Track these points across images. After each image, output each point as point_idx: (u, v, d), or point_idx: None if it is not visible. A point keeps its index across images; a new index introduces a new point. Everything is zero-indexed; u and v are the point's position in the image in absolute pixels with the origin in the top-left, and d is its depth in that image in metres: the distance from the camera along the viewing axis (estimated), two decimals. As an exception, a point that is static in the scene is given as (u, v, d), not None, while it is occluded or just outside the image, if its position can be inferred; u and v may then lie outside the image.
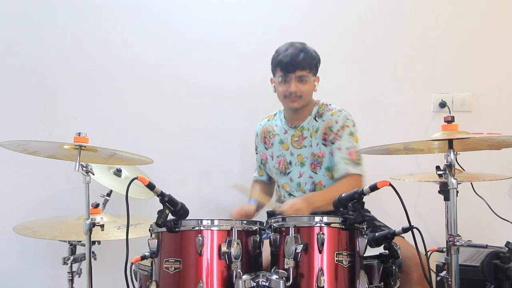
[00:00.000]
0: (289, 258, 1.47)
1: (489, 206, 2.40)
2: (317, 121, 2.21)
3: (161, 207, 1.54)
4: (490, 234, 2.53)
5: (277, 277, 1.46)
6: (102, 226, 1.73)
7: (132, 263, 1.54)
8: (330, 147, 2.17)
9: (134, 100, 2.68)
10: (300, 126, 2.23)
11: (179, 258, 1.50)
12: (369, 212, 2.24)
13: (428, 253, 1.65)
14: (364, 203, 2.21)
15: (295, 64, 2.11)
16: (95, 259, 1.96)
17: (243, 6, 2.72)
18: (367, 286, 1.47)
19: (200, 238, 1.48)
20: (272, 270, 1.51)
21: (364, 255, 1.53)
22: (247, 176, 2.39)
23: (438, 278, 1.63)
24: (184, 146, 2.67)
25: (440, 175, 1.50)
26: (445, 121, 1.55)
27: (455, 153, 1.50)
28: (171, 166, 2.60)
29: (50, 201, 2.58)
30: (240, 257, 1.50)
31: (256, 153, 2.43)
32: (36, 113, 2.64)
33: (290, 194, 2.25)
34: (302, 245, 1.47)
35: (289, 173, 2.24)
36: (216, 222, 1.53)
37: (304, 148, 2.21)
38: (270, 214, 1.70)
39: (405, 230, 1.54)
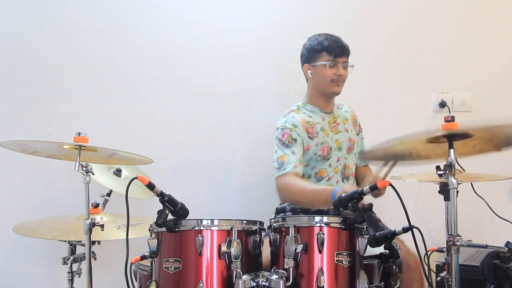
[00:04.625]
0: (289, 258, 1.47)
1: (489, 206, 2.40)
2: (340, 109, 2.36)
3: (161, 207, 1.54)
4: (490, 234, 2.53)
5: (277, 277, 1.45)
6: (102, 226, 1.73)
7: (132, 263, 1.54)
8: (358, 136, 2.40)
9: (134, 100, 2.67)
10: (332, 112, 2.30)
11: (179, 258, 1.50)
12: (374, 213, 2.24)
13: (428, 253, 1.65)
14: (372, 205, 2.22)
15: (343, 49, 2.19)
16: (95, 259, 1.96)
17: (243, 6, 2.72)
18: (367, 286, 1.47)
19: (200, 238, 1.49)
20: (272, 270, 1.51)
21: (364, 255, 1.53)
22: (247, 176, 2.39)
23: (438, 278, 1.63)
24: (184, 146, 2.66)
25: (440, 175, 1.50)
26: (445, 121, 1.55)
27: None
28: (171, 166, 2.59)
29: (50, 201, 2.57)
30: (240, 257, 1.50)
31: (291, 147, 2.14)
32: (36, 113, 2.63)
33: (320, 179, 2.22)
34: (302, 245, 1.47)
35: (329, 158, 2.22)
36: (216, 222, 1.53)
37: (340, 133, 2.27)
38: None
39: (405, 230, 1.54)
